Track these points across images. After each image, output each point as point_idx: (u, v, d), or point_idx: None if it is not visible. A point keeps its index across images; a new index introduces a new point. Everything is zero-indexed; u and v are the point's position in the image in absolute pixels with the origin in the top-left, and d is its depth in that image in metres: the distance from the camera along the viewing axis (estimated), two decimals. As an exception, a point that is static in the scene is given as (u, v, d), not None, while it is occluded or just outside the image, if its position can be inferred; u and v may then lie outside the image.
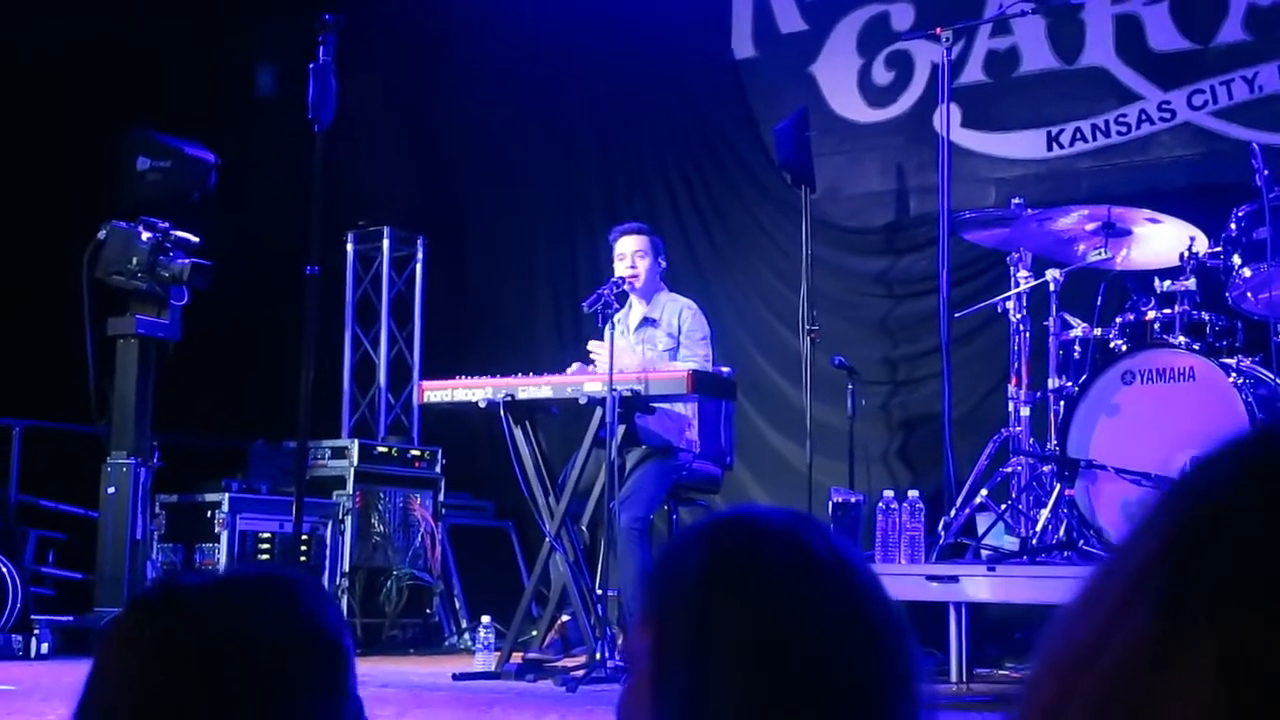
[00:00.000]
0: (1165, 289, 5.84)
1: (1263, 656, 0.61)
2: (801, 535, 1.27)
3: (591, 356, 6.34)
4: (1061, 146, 7.75)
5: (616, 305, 6.09)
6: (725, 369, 6.73)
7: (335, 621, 1.40)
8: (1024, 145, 7.87)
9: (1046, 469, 5.96)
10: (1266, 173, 5.55)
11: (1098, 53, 7.70)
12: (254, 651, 1.32)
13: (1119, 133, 7.60)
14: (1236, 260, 5.62)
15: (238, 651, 1.31)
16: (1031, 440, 6.22)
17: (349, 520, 7.79)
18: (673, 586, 1.26)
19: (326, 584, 7.56)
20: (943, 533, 5.95)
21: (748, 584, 1.23)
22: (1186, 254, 5.82)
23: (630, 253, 6.68)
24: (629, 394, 5.94)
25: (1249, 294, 5.66)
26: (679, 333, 6.64)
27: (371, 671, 5.75)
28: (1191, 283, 5.77)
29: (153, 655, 1.31)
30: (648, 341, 6.66)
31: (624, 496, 6.13)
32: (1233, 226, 5.68)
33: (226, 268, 7.33)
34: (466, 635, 7.78)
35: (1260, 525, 0.64)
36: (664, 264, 6.83)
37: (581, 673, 5.63)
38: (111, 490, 7.08)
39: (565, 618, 6.41)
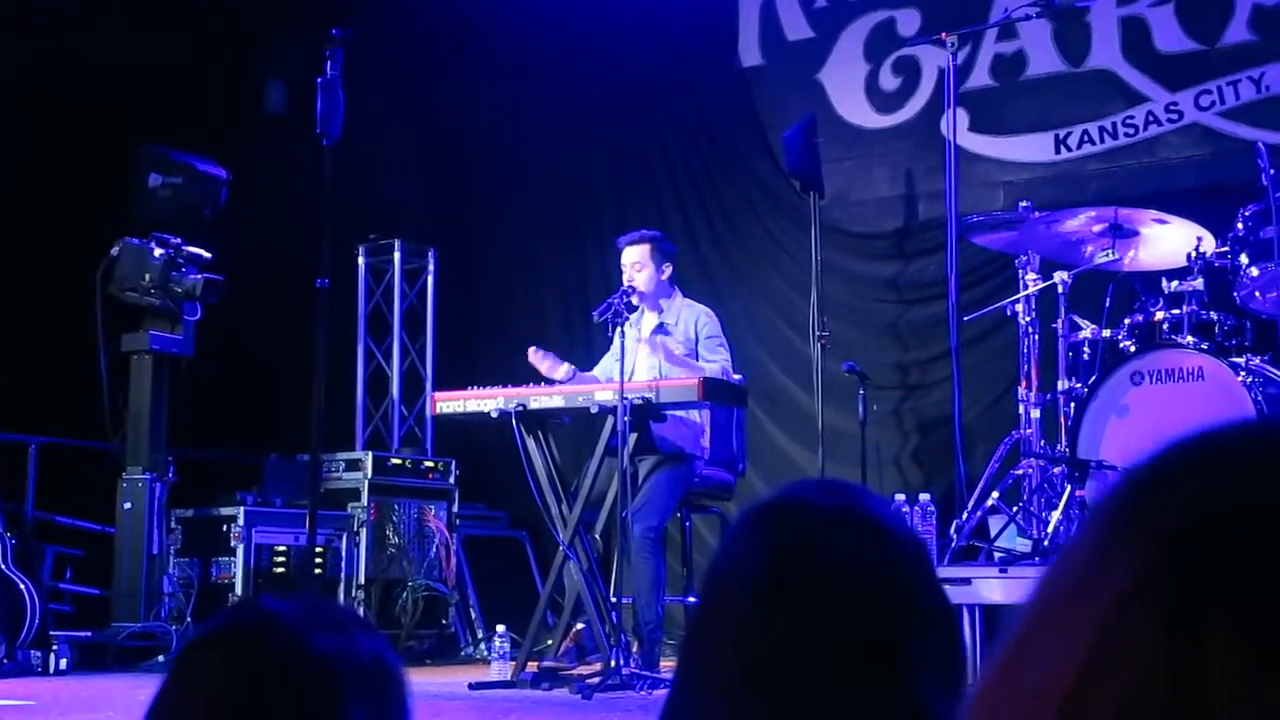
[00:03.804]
0: (1173, 289, 5.85)
1: None
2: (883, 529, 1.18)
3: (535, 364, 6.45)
4: (1069, 149, 7.76)
5: (627, 314, 6.10)
6: (737, 376, 6.75)
7: (389, 649, 1.42)
8: (1032, 148, 7.88)
9: (1057, 470, 5.96)
10: (1273, 172, 5.56)
11: (1104, 55, 7.71)
12: (328, 676, 1.33)
13: (1126, 134, 7.61)
14: (1244, 260, 5.63)
15: (312, 676, 1.33)
16: (1042, 442, 6.23)
17: (364, 532, 7.80)
18: (724, 595, 1.16)
19: (342, 596, 7.59)
20: (955, 535, 5.95)
21: (811, 593, 1.13)
22: (1194, 254, 5.82)
23: (629, 264, 6.64)
24: (640, 402, 5.96)
25: (1257, 293, 5.66)
26: (696, 340, 6.64)
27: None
28: (1199, 283, 5.77)
29: (228, 680, 1.33)
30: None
31: (637, 505, 6.14)
32: (1240, 226, 5.70)
33: (239, 283, 7.37)
34: (482, 645, 7.80)
35: None
36: (669, 270, 6.75)
37: (597, 680, 5.66)
38: (128, 506, 7.12)
39: (580, 626, 6.41)
